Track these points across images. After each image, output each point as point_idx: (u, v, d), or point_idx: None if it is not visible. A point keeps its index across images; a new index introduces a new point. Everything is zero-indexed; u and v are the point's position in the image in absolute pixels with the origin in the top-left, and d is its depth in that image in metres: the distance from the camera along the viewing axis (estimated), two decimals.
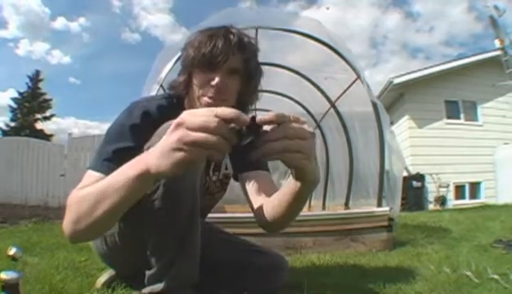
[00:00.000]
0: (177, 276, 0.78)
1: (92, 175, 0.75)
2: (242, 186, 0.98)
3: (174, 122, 0.48)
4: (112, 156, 0.77)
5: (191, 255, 0.80)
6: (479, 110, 7.13)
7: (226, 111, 0.45)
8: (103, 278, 1.04)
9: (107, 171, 0.71)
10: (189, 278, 0.81)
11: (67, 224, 0.66)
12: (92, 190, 0.64)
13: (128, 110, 0.85)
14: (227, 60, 0.83)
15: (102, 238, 0.91)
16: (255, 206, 0.88)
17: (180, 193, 0.77)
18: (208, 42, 0.83)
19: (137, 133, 0.80)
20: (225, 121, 0.45)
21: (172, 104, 0.90)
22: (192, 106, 0.89)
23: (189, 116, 0.47)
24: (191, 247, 0.79)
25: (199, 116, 0.46)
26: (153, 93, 1.93)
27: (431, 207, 6.39)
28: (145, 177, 0.54)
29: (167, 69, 1.97)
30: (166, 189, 0.76)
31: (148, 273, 0.80)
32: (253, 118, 0.46)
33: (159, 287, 0.78)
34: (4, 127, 15.00)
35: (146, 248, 0.80)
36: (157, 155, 0.50)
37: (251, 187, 0.94)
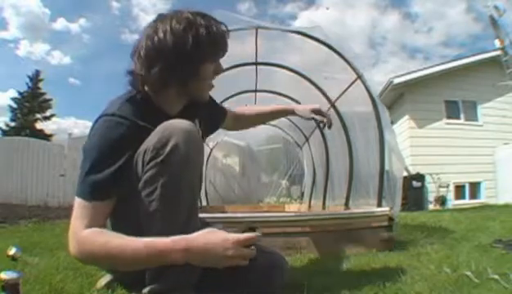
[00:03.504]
0: (176, 276, 0.78)
1: (86, 206, 0.77)
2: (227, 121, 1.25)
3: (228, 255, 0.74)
4: (103, 183, 0.77)
5: None
6: (479, 110, 7.12)
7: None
8: (104, 279, 1.04)
9: (103, 199, 0.78)
10: (188, 278, 0.80)
11: (77, 255, 0.77)
12: (125, 253, 0.74)
13: (105, 123, 0.81)
14: None
15: None
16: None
17: (178, 192, 0.77)
18: (215, 28, 0.87)
19: (122, 147, 0.79)
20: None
21: (138, 102, 0.87)
22: (168, 102, 0.91)
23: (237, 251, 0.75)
24: None
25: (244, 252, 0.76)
26: None
27: (431, 207, 6.38)
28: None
29: None
30: (164, 189, 0.76)
31: (148, 273, 0.80)
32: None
33: (158, 286, 0.78)
34: (4, 127, 15.03)
35: None
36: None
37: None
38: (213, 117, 1.17)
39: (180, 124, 0.79)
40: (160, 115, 0.88)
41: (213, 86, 0.96)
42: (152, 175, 0.76)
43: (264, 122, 1.57)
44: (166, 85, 0.86)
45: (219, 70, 0.94)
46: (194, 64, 0.86)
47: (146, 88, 0.88)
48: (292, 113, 1.35)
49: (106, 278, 1.03)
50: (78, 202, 0.78)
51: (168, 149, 0.76)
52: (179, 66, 0.84)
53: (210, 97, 1.11)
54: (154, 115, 0.86)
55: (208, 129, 1.15)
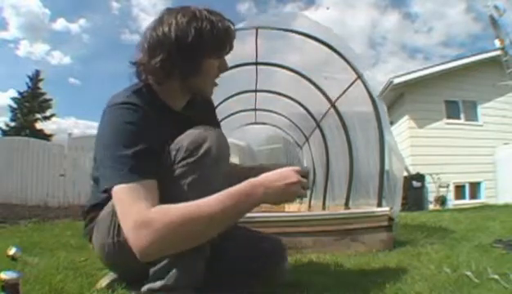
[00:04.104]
0: (178, 276, 0.77)
1: (135, 189, 0.71)
2: None
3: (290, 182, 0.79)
4: (136, 162, 0.73)
5: (199, 251, 0.79)
6: (479, 110, 7.13)
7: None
8: (104, 281, 1.03)
9: (139, 180, 0.72)
10: (190, 279, 0.80)
11: (151, 241, 0.68)
12: (212, 208, 0.71)
13: (117, 111, 0.80)
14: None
15: (111, 241, 0.85)
16: None
17: (204, 194, 0.75)
18: (220, 23, 0.86)
19: (141, 129, 0.78)
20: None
21: (144, 94, 0.86)
22: (171, 96, 0.91)
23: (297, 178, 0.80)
24: (202, 245, 0.79)
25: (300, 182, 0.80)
26: None
27: (431, 207, 6.39)
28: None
29: None
30: (191, 188, 0.75)
31: (153, 269, 0.79)
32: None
33: (158, 284, 0.78)
34: (4, 127, 15.02)
35: None
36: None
37: None
38: None
39: (212, 130, 0.81)
40: (164, 109, 0.89)
41: (216, 84, 0.96)
42: (181, 174, 0.76)
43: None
44: (168, 75, 0.85)
45: (224, 68, 0.94)
46: (196, 58, 0.86)
47: (151, 81, 0.88)
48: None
49: (106, 280, 1.03)
50: (123, 190, 0.71)
51: (201, 151, 0.77)
52: (180, 57, 0.83)
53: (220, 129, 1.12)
54: (159, 108, 0.87)
55: None
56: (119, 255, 0.85)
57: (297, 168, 0.81)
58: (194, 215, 0.70)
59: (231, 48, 0.93)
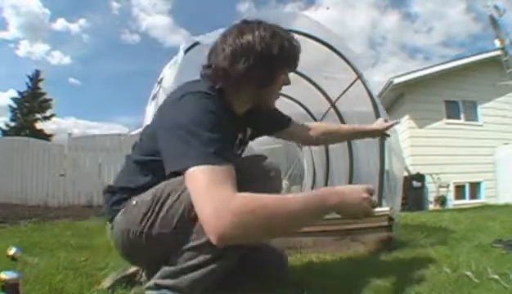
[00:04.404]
0: (194, 281, 0.77)
1: (219, 171, 0.69)
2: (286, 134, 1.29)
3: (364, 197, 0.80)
4: (221, 146, 0.73)
5: (225, 261, 0.80)
6: (479, 110, 7.13)
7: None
8: (106, 282, 1.03)
9: (223, 163, 0.70)
10: (204, 284, 0.80)
11: (236, 222, 0.64)
12: (296, 203, 0.72)
13: (198, 99, 0.81)
14: None
15: (140, 230, 0.82)
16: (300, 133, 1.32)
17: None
18: (294, 42, 0.94)
19: (220, 118, 0.79)
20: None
21: (215, 92, 0.87)
22: (240, 101, 0.95)
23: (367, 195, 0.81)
24: (232, 254, 0.80)
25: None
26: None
27: (431, 207, 6.39)
28: None
29: (168, 72, 1.97)
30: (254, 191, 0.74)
31: (168, 268, 0.79)
32: None
33: (166, 282, 0.78)
34: (4, 127, 15.05)
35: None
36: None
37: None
38: (268, 123, 1.20)
39: (274, 163, 1.04)
40: (230, 113, 0.93)
41: (278, 96, 1.02)
42: (247, 188, 0.76)
43: (341, 141, 1.90)
44: (249, 82, 0.89)
45: (287, 82, 0.99)
46: (275, 71, 0.91)
47: (224, 85, 0.89)
48: (373, 133, 1.53)
49: (108, 281, 1.04)
50: (205, 171, 0.68)
51: (271, 175, 0.99)
52: (263, 68, 0.87)
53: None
54: (226, 110, 0.89)
55: (258, 133, 1.18)
56: (141, 246, 0.83)
57: (366, 186, 0.83)
58: (279, 206, 0.69)
59: (297, 66, 0.99)
